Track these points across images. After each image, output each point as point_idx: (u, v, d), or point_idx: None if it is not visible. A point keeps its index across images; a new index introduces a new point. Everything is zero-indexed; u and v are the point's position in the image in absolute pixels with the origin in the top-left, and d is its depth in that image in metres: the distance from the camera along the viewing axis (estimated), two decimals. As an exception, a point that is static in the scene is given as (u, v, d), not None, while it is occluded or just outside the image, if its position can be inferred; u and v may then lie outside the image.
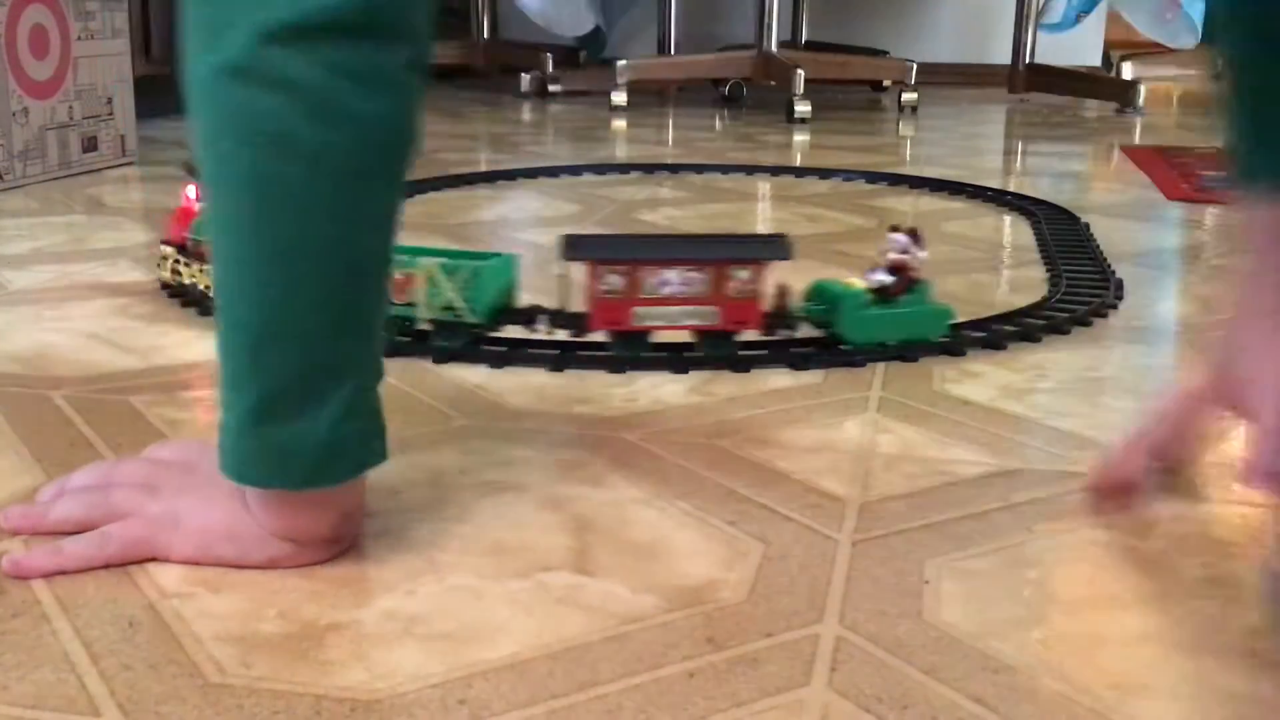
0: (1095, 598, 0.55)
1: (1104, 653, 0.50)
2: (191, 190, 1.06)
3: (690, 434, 0.74)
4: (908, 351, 0.89)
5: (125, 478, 0.60)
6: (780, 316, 0.87)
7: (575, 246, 0.85)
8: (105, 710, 0.45)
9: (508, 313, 0.88)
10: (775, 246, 0.87)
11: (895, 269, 0.88)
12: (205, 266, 0.99)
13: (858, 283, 0.88)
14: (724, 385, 0.83)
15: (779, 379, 0.85)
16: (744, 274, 0.84)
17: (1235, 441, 0.76)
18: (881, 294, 0.88)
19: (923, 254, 0.88)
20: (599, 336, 0.86)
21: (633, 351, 0.86)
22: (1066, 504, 0.65)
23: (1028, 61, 3.11)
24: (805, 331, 0.89)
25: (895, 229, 0.88)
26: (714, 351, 0.86)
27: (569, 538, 0.60)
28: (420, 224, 1.39)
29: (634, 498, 0.65)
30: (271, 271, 0.52)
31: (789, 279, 0.88)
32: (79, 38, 1.69)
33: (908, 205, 1.60)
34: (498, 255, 0.89)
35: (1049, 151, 2.22)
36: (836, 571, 0.56)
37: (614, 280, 0.84)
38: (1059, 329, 0.97)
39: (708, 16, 3.50)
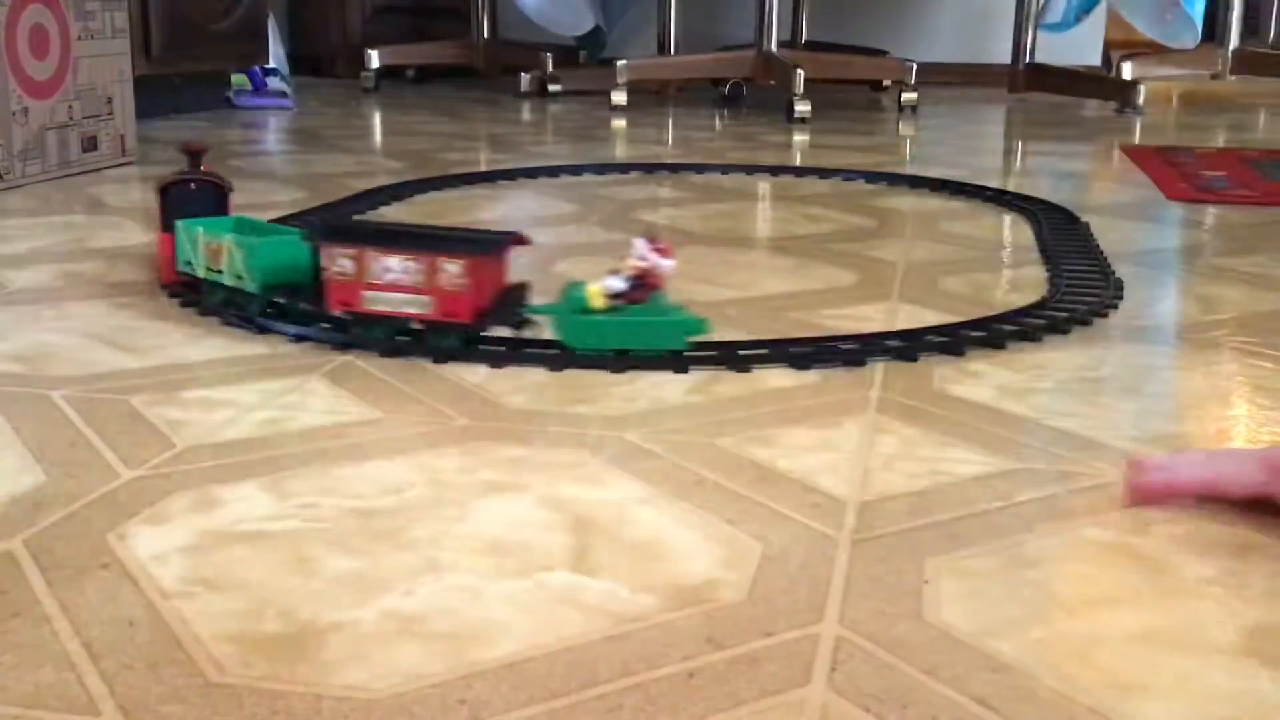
0: (1095, 598, 0.55)
1: (1104, 653, 0.50)
2: None
3: (690, 434, 0.74)
4: (906, 350, 0.89)
5: None
6: (498, 313, 0.88)
7: (317, 229, 0.91)
8: (105, 710, 0.45)
9: (283, 287, 0.94)
10: (483, 244, 0.88)
11: (636, 277, 0.87)
12: None
13: (594, 288, 0.88)
14: (724, 385, 0.83)
15: (779, 379, 0.85)
16: (453, 267, 0.86)
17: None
18: (614, 300, 0.87)
19: (666, 263, 0.88)
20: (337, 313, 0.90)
21: (371, 333, 0.89)
22: (1066, 504, 0.65)
23: (1028, 61, 3.12)
24: (537, 332, 0.89)
25: (646, 237, 0.88)
26: (436, 341, 0.88)
27: (569, 537, 0.60)
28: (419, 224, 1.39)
29: (634, 498, 0.65)
30: None
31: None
32: (79, 38, 1.69)
33: (908, 205, 1.60)
34: (289, 233, 0.99)
35: (1049, 151, 2.22)
36: (836, 571, 0.56)
37: (345, 264, 0.88)
38: (1059, 329, 0.97)
39: (708, 16, 3.51)
